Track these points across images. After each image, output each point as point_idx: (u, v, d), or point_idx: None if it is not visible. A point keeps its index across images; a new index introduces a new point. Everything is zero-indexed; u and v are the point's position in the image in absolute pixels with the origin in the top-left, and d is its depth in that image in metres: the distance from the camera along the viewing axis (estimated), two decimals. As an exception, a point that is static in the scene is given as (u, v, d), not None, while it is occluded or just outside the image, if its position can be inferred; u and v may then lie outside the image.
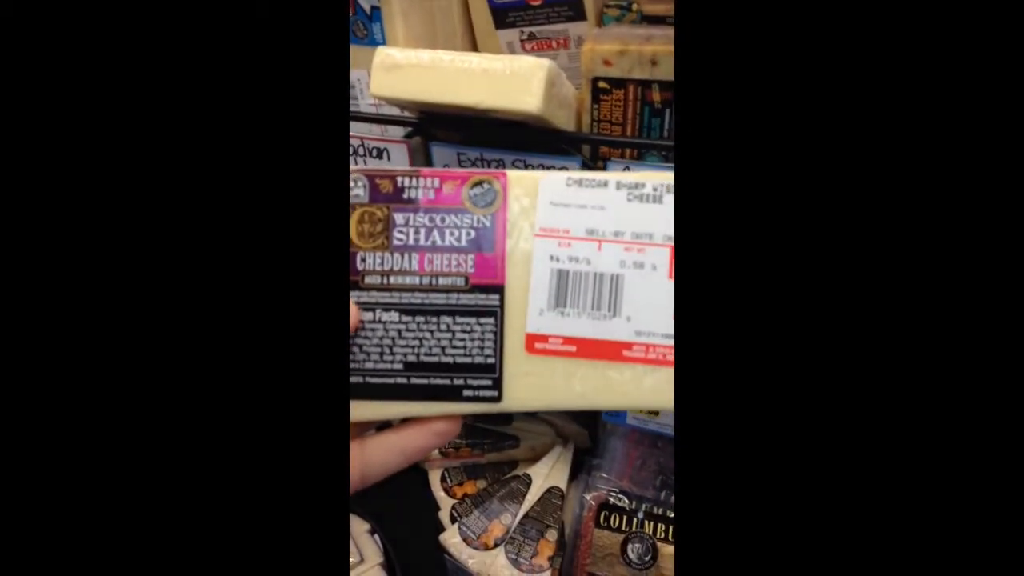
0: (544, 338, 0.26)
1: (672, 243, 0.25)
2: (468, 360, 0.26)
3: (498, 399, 0.26)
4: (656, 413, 0.54)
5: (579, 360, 0.26)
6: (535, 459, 0.64)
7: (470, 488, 0.64)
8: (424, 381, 0.26)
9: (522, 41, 0.49)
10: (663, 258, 0.25)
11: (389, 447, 0.26)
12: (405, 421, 0.27)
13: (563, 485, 0.61)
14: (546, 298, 0.26)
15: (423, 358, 0.26)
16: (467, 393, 0.26)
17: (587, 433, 0.66)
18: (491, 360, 0.26)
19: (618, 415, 0.56)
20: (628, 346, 0.25)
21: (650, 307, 0.25)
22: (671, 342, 0.25)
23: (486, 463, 0.66)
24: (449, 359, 0.26)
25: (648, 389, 0.26)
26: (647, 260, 0.25)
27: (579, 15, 0.48)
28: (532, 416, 0.67)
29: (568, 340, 0.26)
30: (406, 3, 0.44)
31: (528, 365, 0.26)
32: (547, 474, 0.62)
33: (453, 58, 0.37)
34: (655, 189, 0.25)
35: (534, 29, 0.49)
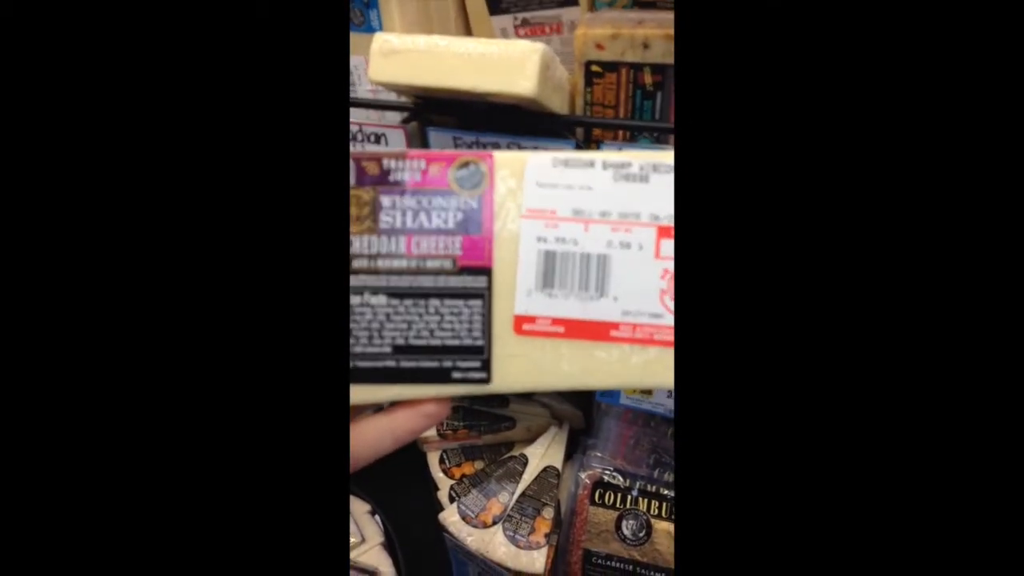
0: (532, 319, 0.26)
1: (658, 223, 0.25)
2: (457, 342, 0.26)
3: (487, 381, 0.26)
4: (648, 392, 0.55)
5: (567, 340, 0.26)
6: (531, 440, 0.64)
7: (468, 469, 0.65)
8: (413, 364, 0.26)
9: (516, 27, 0.50)
10: (649, 238, 0.25)
11: (380, 429, 0.26)
12: (395, 403, 0.27)
13: (558, 464, 0.62)
14: (534, 279, 0.25)
15: (412, 341, 0.26)
16: (456, 375, 0.26)
17: (581, 414, 0.67)
18: (480, 342, 0.26)
19: (612, 395, 0.57)
20: (615, 326, 0.25)
21: (637, 287, 0.25)
22: (658, 321, 0.25)
23: (483, 444, 0.67)
24: (438, 342, 0.26)
25: (636, 368, 0.26)
26: (633, 240, 0.25)
27: (571, 0, 0.48)
28: (527, 398, 0.68)
29: (556, 321, 0.26)
30: (402, -11, 0.45)
31: (517, 346, 0.26)
32: (543, 454, 0.63)
33: (449, 43, 0.38)
34: (641, 169, 0.25)
35: (527, 15, 0.49)
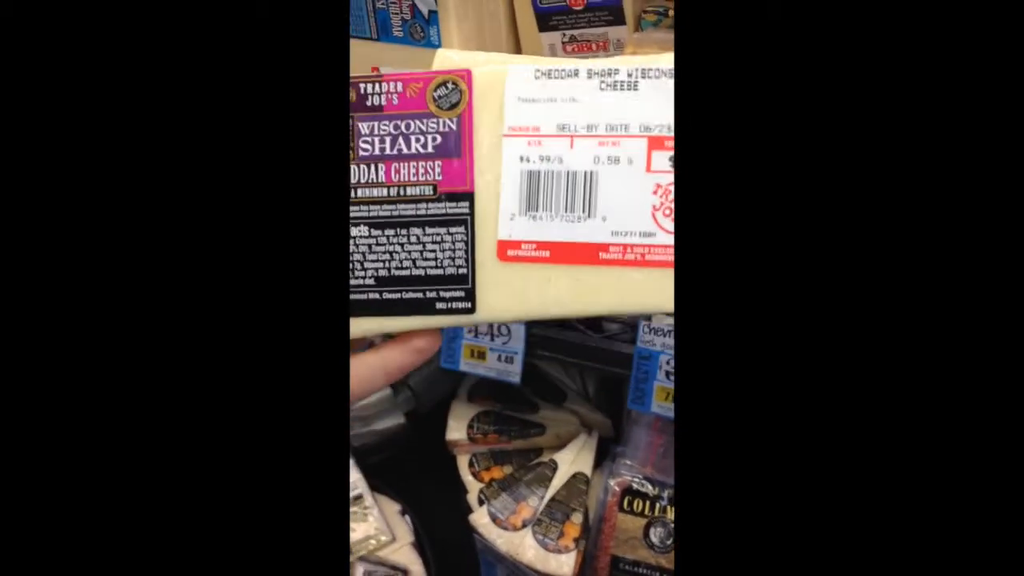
0: (516, 244, 0.25)
1: (649, 133, 0.24)
2: (440, 272, 0.25)
3: (471, 311, 0.25)
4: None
5: (554, 266, 0.24)
6: (560, 446, 0.65)
7: (497, 473, 0.67)
8: (396, 296, 0.25)
9: (563, 43, 0.53)
10: (640, 150, 0.24)
11: (371, 367, 0.26)
12: (385, 340, 0.26)
13: (587, 471, 0.63)
14: (517, 202, 0.24)
15: (394, 272, 0.25)
16: (440, 306, 0.25)
17: (610, 422, 0.70)
18: (463, 271, 0.25)
19: (642, 403, 0.59)
20: (604, 248, 0.24)
21: (627, 205, 0.24)
22: (650, 241, 0.24)
23: (512, 449, 0.70)
24: (420, 271, 0.25)
25: (628, 292, 0.24)
26: (623, 154, 0.24)
27: (618, 19, 0.51)
28: (558, 406, 0.71)
29: (542, 245, 0.24)
30: (460, 8, 0.48)
31: (501, 274, 0.25)
32: (572, 460, 0.63)
33: (507, 61, 0.42)
34: (630, 75, 0.24)
35: (575, 32, 0.52)
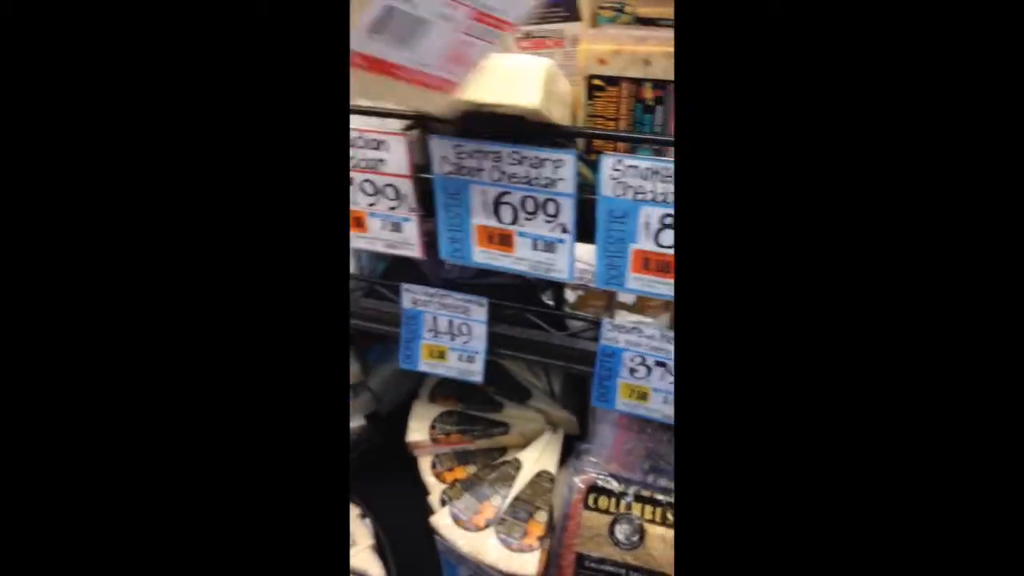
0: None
1: (480, 7, 0.31)
2: None
3: None
4: (644, 397, 0.58)
5: (377, 75, 0.33)
6: (524, 445, 0.66)
7: (460, 473, 0.67)
8: None
9: (518, 40, 0.53)
10: (465, 16, 0.32)
11: None
12: None
13: (552, 469, 0.63)
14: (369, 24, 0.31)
15: None
16: None
17: (576, 420, 0.70)
18: None
19: (607, 399, 0.59)
20: (404, 68, 0.33)
21: (435, 47, 0.32)
22: (435, 72, 0.34)
23: (476, 449, 0.69)
24: None
25: (415, 100, 0.37)
26: (453, 14, 0.31)
27: (574, 16, 0.51)
28: (522, 404, 0.71)
29: (367, 58, 0.32)
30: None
31: None
32: (537, 459, 0.64)
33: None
34: None
35: (530, 28, 0.53)
